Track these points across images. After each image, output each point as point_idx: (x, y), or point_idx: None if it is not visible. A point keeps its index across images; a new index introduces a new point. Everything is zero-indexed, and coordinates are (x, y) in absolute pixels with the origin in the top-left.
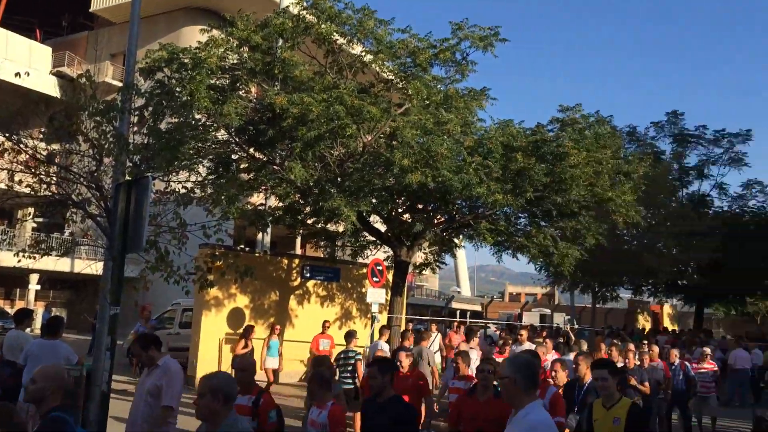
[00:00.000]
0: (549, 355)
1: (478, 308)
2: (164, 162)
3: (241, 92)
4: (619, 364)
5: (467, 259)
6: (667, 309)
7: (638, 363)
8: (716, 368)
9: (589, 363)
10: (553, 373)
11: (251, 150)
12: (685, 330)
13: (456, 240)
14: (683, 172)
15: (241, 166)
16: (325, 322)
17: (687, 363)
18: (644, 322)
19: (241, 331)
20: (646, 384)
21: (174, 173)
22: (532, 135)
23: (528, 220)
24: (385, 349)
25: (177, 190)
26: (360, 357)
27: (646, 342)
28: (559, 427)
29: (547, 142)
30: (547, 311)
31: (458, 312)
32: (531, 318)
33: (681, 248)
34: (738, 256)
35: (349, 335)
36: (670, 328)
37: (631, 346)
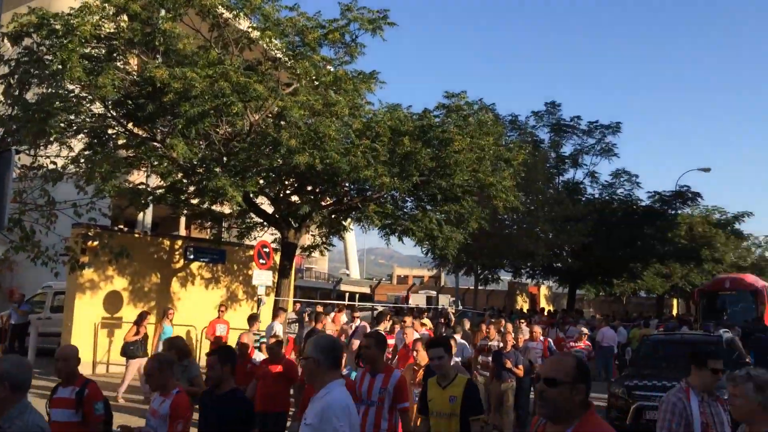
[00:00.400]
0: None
1: (366, 290)
2: (31, 135)
3: (119, 63)
4: (499, 345)
5: (357, 242)
6: (543, 290)
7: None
8: (590, 347)
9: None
10: (415, 353)
11: (130, 125)
12: (559, 310)
13: (345, 222)
14: (560, 160)
15: (120, 141)
16: (220, 306)
17: (549, 340)
18: (523, 303)
19: (118, 315)
20: (521, 367)
21: (42, 147)
22: (419, 120)
23: (414, 203)
24: (279, 331)
25: (45, 165)
26: (264, 341)
27: (523, 321)
28: (402, 412)
29: (433, 127)
30: (433, 293)
31: (347, 294)
32: (417, 300)
33: (556, 233)
34: (606, 241)
35: (252, 318)
36: (546, 308)
37: (510, 328)
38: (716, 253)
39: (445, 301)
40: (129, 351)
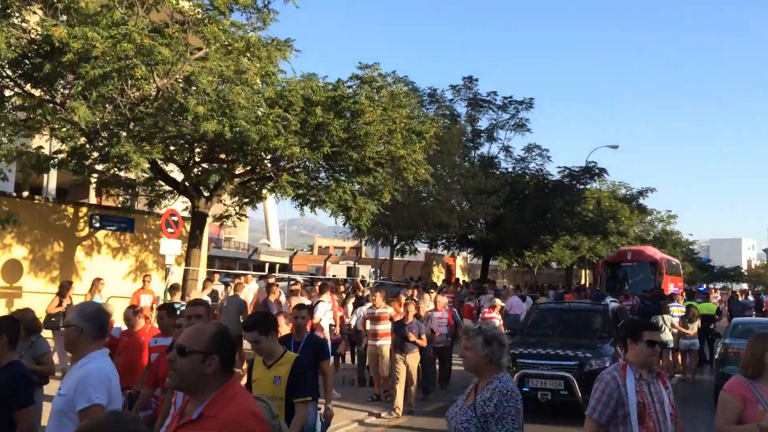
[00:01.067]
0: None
1: (286, 261)
2: None
3: (15, 20)
4: (398, 317)
5: (279, 213)
6: (459, 261)
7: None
8: (500, 317)
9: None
10: (279, 329)
11: (28, 86)
12: (474, 280)
13: (262, 192)
14: (476, 134)
15: (17, 103)
16: (145, 276)
17: (455, 310)
18: (439, 274)
19: (18, 284)
20: (423, 337)
21: None
22: (332, 90)
23: (328, 174)
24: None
25: None
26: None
27: (433, 291)
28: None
29: (345, 98)
30: (352, 264)
31: (267, 265)
32: (338, 270)
33: (471, 205)
34: (518, 214)
35: (173, 288)
36: (462, 279)
37: (404, 299)
38: (621, 226)
39: (365, 272)
40: (51, 323)
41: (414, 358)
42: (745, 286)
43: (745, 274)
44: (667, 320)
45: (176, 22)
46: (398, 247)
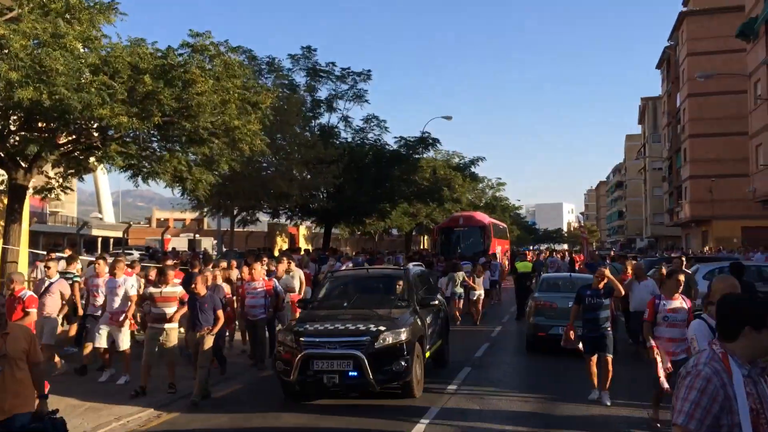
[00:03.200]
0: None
1: (120, 234)
2: None
3: None
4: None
5: (112, 184)
6: (302, 230)
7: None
8: None
9: None
10: None
11: None
12: (316, 248)
13: (88, 162)
14: (316, 104)
15: None
16: None
17: (274, 280)
18: (282, 243)
19: None
20: (219, 312)
21: None
22: (161, 59)
23: (161, 145)
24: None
25: None
26: (79, 280)
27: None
28: None
29: (174, 66)
30: (190, 236)
31: (99, 239)
32: (178, 243)
33: (311, 175)
34: (358, 183)
35: (72, 258)
36: (304, 247)
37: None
38: (455, 193)
39: (207, 244)
40: None
41: (204, 334)
42: (565, 246)
43: (566, 235)
44: (459, 276)
45: None
46: (239, 218)
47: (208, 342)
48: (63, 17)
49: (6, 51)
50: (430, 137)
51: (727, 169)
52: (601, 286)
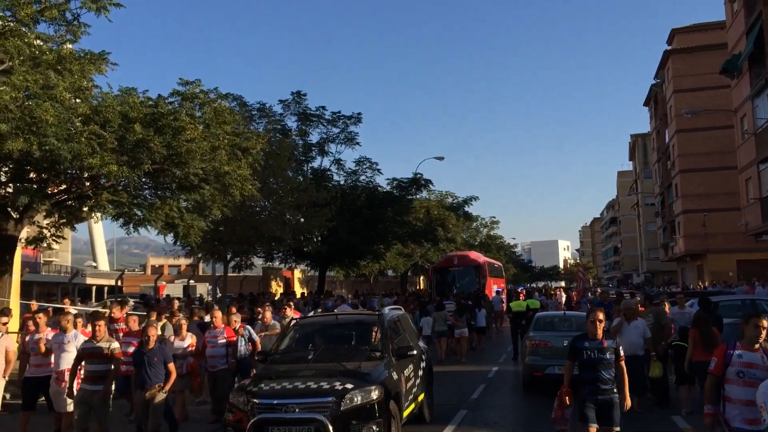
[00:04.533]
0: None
1: (114, 282)
2: None
3: None
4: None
5: (107, 232)
6: (297, 274)
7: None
8: None
9: None
10: None
11: None
12: (311, 292)
13: (82, 211)
14: (307, 148)
15: None
16: None
17: (249, 327)
18: (277, 287)
19: None
20: (171, 365)
21: None
22: (151, 107)
23: (152, 192)
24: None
25: None
26: None
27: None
28: None
29: (164, 115)
30: (185, 282)
31: (94, 288)
32: (173, 289)
33: (305, 218)
34: (351, 225)
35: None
36: (299, 291)
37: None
38: (449, 233)
39: (203, 289)
40: None
41: (155, 393)
42: (562, 283)
43: (562, 272)
44: (442, 315)
45: None
46: (233, 263)
47: (160, 398)
48: (54, 68)
49: None
50: (423, 178)
51: (719, 203)
52: (599, 335)
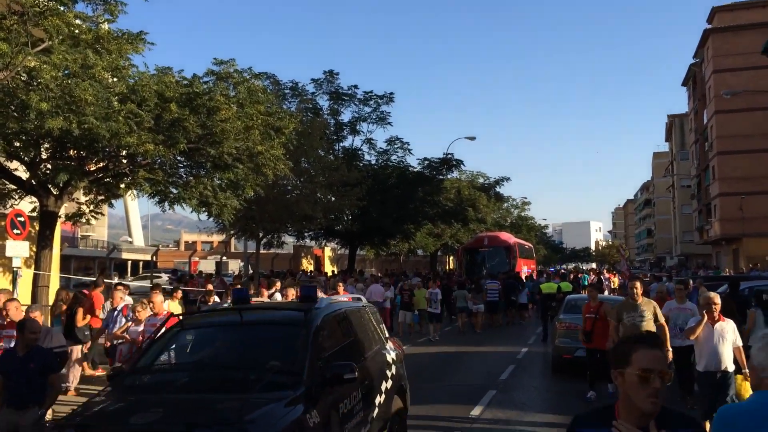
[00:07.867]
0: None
1: (149, 257)
2: None
3: None
4: None
5: (142, 208)
6: (327, 252)
7: None
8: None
9: None
10: None
11: None
12: (341, 270)
13: (119, 188)
14: (339, 127)
15: None
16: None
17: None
18: (308, 265)
19: None
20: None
21: None
22: (186, 87)
23: (187, 170)
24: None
25: None
26: None
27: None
28: None
29: (199, 95)
30: (218, 258)
31: (129, 262)
32: (206, 265)
33: (336, 197)
34: (382, 204)
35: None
36: (330, 269)
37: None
38: (480, 213)
39: (235, 266)
40: None
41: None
42: (593, 264)
43: (593, 254)
44: (462, 294)
45: (14, 14)
46: (264, 240)
47: (31, 419)
48: (92, 48)
49: (37, 82)
50: (454, 158)
51: (757, 187)
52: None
